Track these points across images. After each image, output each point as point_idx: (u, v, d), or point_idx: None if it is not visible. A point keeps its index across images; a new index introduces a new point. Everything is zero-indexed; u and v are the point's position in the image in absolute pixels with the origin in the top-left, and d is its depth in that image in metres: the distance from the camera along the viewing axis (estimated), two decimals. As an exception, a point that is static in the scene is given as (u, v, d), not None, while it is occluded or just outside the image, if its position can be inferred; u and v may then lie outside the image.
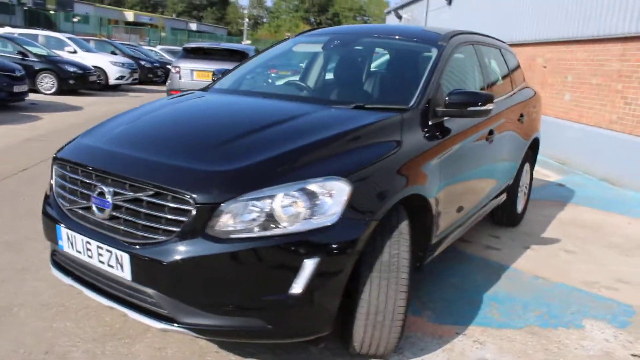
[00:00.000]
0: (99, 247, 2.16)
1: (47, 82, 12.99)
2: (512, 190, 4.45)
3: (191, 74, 9.95)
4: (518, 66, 4.80)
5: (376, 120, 2.58)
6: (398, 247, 2.28)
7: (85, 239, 2.21)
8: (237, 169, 2.11)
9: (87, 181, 2.30)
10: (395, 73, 3.47)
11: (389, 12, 25.67)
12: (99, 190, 2.21)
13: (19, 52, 12.73)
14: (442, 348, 2.64)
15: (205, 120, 2.76)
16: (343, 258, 2.09)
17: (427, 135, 2.75)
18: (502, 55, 4.36)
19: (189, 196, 2.00)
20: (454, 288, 3.36)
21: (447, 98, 2.87)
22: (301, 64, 4.04)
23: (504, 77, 4.23)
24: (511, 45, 10.18)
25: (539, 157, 5.22)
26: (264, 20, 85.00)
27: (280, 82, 3.81)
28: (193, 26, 63.41)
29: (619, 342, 2.83)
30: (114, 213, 2.17)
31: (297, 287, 2.01)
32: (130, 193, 2.13)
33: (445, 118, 2.95)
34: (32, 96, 11.44)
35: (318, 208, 2.06)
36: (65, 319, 2.71)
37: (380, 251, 2.25)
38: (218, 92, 3.37)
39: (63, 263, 2.48)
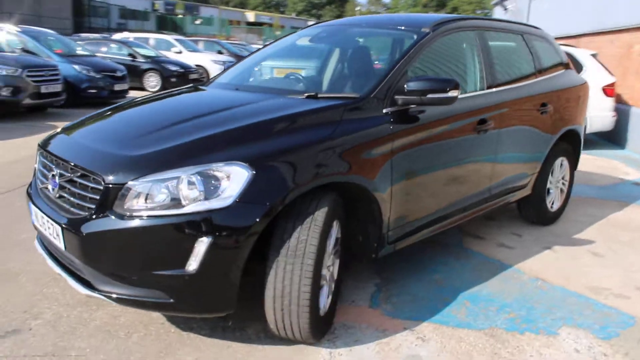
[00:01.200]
0: (47, 220, 2.45)
1: (152, 81, 14.29)
2: (537, 186, 4.11)
3: (271, 71, 10.34)
4: (556, 53, 4.40)
5: (309, 109, 2.59)
6: (307, 234, 2.28)
7: (41, 213, 2.51)
8: (144, 154, 2.28)
9: (50, 165, 2.60)
10: (363, 62, 3.38)
11: (496, 4, 24.34)
12: (53, 172, 2.51)
13: (130, 54, 14.16)
14: (378, 341, 2.57)
15: (159, 112, 2.94)
16: (237, 240, 2.15)
17: (377, 124, 2.68)
18: (525, 42, 4.02)
19: (100, 177, 2.21)
20: (432, 284, 3.22)
21: (405, 85, 2.77)
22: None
23: (519, 65, 3.90)
24: (605, 32, 9.31)
25: (623, 152, 4.72)
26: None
27: (268, 76, 3.90)
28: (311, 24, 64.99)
29: (591, 354, 2.54)
30: (60, 192, 2.45)
31: (193, 264, 2.13)
32: (68, 174, 2.39)
33: (412, 106, 2.85)
34: (136, 93, 12.66)
35: (214, 191, 2.15)
36: (55, 287, 3.06)
37: (289, 236, 2.28)
38: (212, 85, 3.54)
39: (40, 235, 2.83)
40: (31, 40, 10.44)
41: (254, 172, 2.18)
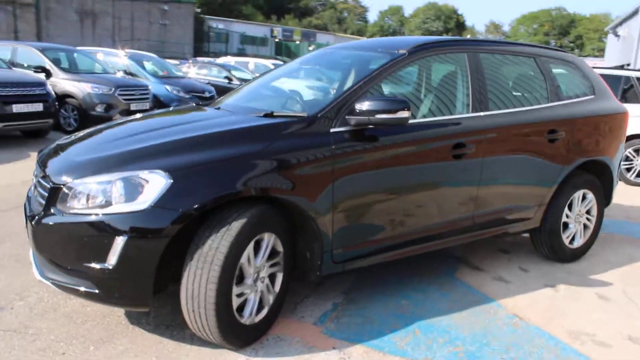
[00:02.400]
0: (28, 217, 2.81)
1: (244, 102, 15.15)
2: (549, 219, 3.80)
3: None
4: (584, 78, 4.07)
5: (246, 126, 2.72)
6: (219, 242, 2.39)
7: (26, 211, 2.89)
8: (86, 160, 2.56)
9: (36, 170, 2.98)
10: (330, 83, 3.41)
11: (608, 31, 22.61)
12: (36, 176, 2.89)
13: (226, 77, 15.21)
14: (299, 356, 2.58)
15: (132, 127, 3.13)
16: (150, 241, 2.33)
17: (318, 142, 2.72)
18: (538, 65, 3.77)
19: (49, 178, 2.53)
20: (393, 309, 3.12)
21: (356, 105, 2.79)
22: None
23: (525, 89, 3.67)
24: None
25: None
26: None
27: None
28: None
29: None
30: (35, 192, 2.81)
31: (113, 259, 2.35)
32: (39, 177, 2.75)
33: (370, 126, 2.85)
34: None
35: (134, 195, 2.36)
36: (53, 275, 3.45)
37: (203, 242, 2.41)
38: (210, 104, 3.74)
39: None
40: (133, 64, 11.70)
41: (172, 181, 2.36)
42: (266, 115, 2.91)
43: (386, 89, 3.25)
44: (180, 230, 2.39)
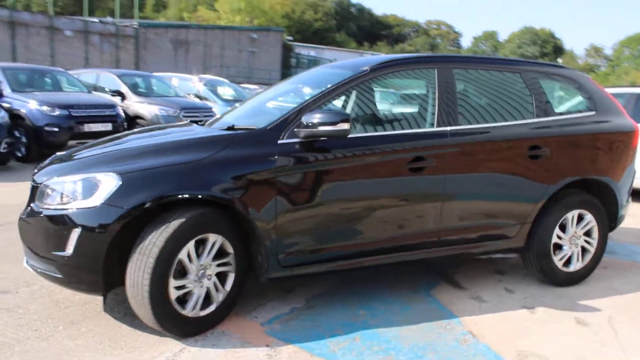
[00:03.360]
0: None
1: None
2: (536, 239, 3.67)
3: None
4: (580, 94, 3.91)
5: (198, 137, 3.02)
6: (157, 237, 2.65)
7: None
8: (62, 165, 2.96)
9: None
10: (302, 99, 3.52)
11: None
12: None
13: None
14: (232, 349, 2.74)
15: (125, 137, 3.51)
16: (98, 234, 2.65)
17: (262, 153, 2.92)
18: (525, 81, 3.69)
19: (33, 180, 2.96)
20: (348, 317, 3.18)
21: (303, 118, 2.96)
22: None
23: (505, 105, 3.60)
24: None
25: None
26: (602, 68, 76.87)
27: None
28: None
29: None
30: None
31: (70, 248, 2.69)
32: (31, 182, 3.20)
33: (322, 139, 3.01)
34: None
35: (90, 193, 2.70)
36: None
37: (145, 237, 2.69)
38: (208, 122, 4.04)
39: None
40: (205, 89, 12.59)
41: (121, 183, 2.68)
42: (228, 128, 3.17)
43: (351, 105, 3.38)
44: (128, 227, 2.70)
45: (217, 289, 2.96)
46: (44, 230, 2.80)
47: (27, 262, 3.03)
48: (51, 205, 2.79)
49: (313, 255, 3.10)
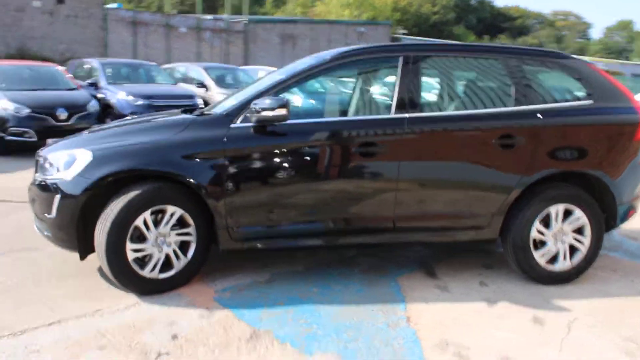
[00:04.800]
0: None
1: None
2: (512, 232, 3.54)
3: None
4: (579, 82, 3.66)
5: (164, 121, 3.43)
6: (116, 205, 3.08)
7: None
8: (61, 143, 3.48)
9: None
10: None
11: None
12: None
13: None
14: (173, 308, 3.09)
15: (124, 122, 4.01)
16: (71, 200, 3.13)
17: (216, 135, 3.22)
18: (505, 66, 3.53)
19: (38, 155, 3.54)
20: (297, 293, 3.37)
21: (251, 104, 3.21)
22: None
23: (477, 92, 3.50)
24: None
25: None
26: None
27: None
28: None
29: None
30: None
31: (53, 211, 3.21)
32: None
33: (277, 123, 3.24)
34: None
35: (69, 166, 3.20)
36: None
37: (108, 205, 3.12)
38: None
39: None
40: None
41: (93, 159, 3.14)
42: (200, 114, 3.51)
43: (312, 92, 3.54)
44: (101, 197, 3.14)
45: (177, 257, 3.31)
46: (39, 196, 3.35)
47: (35, 225, 3.62)
48: (44, 175, 3.33)
49: (263, 231, 3.33)
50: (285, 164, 3.27)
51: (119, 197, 3.11)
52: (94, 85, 9.92)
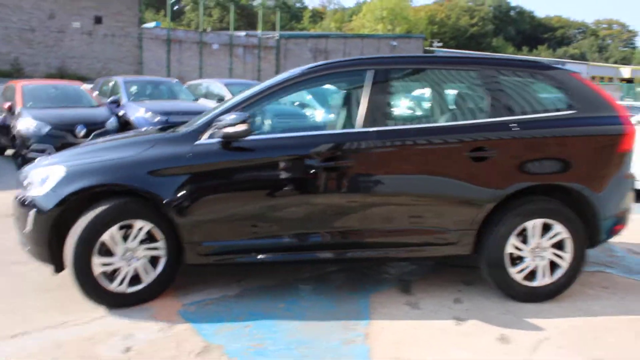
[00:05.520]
0: None
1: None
2: (487, 248, 3.44)
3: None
4: (562, 93, 3.55)
5: (134, 138, 3.50)
6: (83, 220, 3.18)
7: None
8: (39, 161, 3.62)
9: None
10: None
11: None
12: None
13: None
14: (135, 321, 3.14)
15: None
16: (45, 215, 3.24)
17: (181, 152, 3.28)
18: (481, 78, 3.46)
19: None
20: (262, 308, 3.37)
21: (215, 121, 3.26)
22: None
23: (454, 104, 3.44)
24: None
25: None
26: None
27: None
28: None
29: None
30: None
31: (29, 227, 3.33)
32: None
33: (245, 139, 3.29)
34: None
35: (44, 182, 3.32)
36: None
37: (78, 217, 3.22)
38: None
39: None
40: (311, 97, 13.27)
41: (64, 175, 3.25)
42: (171, 131, 3.59)
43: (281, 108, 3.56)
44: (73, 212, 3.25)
45: (147, 271, 3.37)
46: (18, 212, 3.48)
47: (19, 239, 3.76)
48: (24, 191, 3.47)
49: (229, 245, 3.35)
50: (250, 180, 3.30)
51: (87, 213, 3.21)
52: (116, 103, 10.25)
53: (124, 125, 9.57)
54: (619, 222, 3.68)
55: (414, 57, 3.82)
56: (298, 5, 76.84)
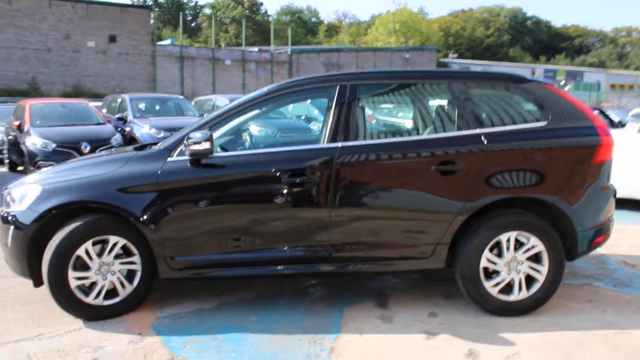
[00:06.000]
0: None
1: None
2: (461, 261, 3.42)
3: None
4: (534, 104, 3.54)
5: (108, 157, 3.63)
6: (58, 236, 3.27)
7: None
8: (20, 179, 3.72)
9: None
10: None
11: None
12: None
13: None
14: (108, 333, 3.20)
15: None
16: (23, 231, 3.34)
17: (151, 169, 3.35)
18: (451, 91, 3.47)
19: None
20: (235, 321, 3.40)
21: (185, 139, 3.34)
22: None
23: (422, 118, 3.45)
24: None
25: None
26: None
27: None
28: None
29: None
30: None
31: (9, 241, 3.43)
32: None
33: (212, 156, 3.36)
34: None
35: (22, 200, 3.42)
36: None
37: (55, 233, 3.30)
38: None
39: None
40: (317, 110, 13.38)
41: (40, 193, 3.35)
42: (148, 149, 3.69)
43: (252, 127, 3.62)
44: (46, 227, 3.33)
45: (123, 285, 3.43)
46: (1, 227, 3.58)
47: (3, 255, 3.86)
48: (6, 208, 3.57)
49: (199, 260, 3.40)
50: (218, 196, 3.36)
51: (62, 228, 3.29)
52: (123, 120, 10.47)
53: (130, 141, 9.76)
54: (599, 233, 3.63)
55: (381, 72, 3.84)
56: (314, 20, 77.58)
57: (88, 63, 23.56)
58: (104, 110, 12.03)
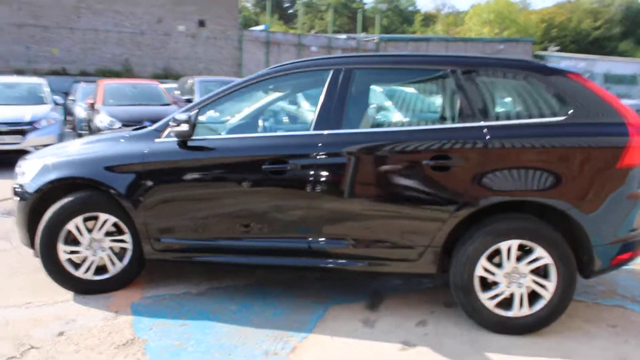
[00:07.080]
0: None
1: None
2: (454, 269, 3.11)
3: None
4: (555, 98, 3.10)
5: (107, 137, 3.68)
6: (50, 211, 3.39)
7: None
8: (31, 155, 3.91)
9: None
10: None
11: None
12: None
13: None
14: (90, 308, 3.29)
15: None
16: (25, 202, 3.52)
17: (138, 149, 3.37)
18: (456, 79, 3.11)
19: None
20: (214, 308, 3.35)
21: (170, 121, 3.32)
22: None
23: (423, 107, 3.14)
24: None
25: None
26: None
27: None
28: None
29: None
30: None
31: (16, 212, 3.63)
32: None
33: (200, 138, 3.34)
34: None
35: (29, 173, 3.58)
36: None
37: (49, 207, 3.43)
38: None
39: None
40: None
41: (41, 167, 3.50)
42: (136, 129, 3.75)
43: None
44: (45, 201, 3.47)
45: (113, 262, 3.50)
46: (13, 199, 3.80)
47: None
48: (16, 181, 3.77)
49: (183, 244, 3.37)
50: (202, 179, 3.30)
51: (55, 203, 3.40)
52: (190, 101, 10.83)
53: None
54: (627, 249, 3.13)
55: (379, 56, 3.55)
56: (411, 9, 75.66)
57: (178, 46, 24.71)
58: (178, 92, 12.52)
